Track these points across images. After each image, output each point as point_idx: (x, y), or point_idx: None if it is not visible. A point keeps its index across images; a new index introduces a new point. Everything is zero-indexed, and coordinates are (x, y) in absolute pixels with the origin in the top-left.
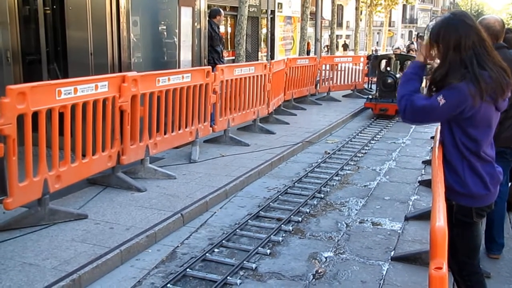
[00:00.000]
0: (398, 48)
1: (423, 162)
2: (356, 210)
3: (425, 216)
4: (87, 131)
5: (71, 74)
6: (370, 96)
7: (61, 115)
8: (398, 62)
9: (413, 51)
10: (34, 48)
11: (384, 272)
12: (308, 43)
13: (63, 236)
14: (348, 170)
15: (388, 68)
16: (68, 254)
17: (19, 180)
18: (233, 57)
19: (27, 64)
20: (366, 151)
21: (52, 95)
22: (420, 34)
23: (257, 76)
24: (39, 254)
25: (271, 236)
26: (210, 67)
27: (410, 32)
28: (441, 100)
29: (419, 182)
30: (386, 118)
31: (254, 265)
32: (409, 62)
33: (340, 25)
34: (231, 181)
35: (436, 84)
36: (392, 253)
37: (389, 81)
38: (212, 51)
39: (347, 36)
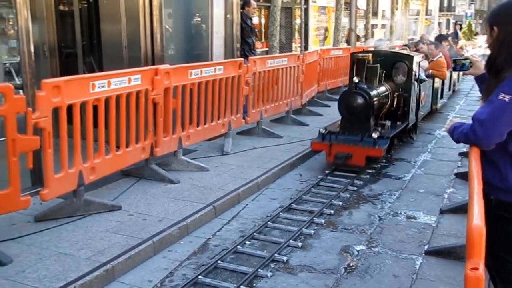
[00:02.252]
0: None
1: (460, 154)
2: (390, 203)
3: (460, 209)
4: (121, 123)
5: (106, 67)
6: (322, 130)
7: (95, 108)
8: (378, 66)
9: (418, 51)
10: (71, 41)
11: (418, 266)
12: (348, 33)
13: (98, 227)
14: (383, 162)
15: (357, 80)
16: (102, 244)
17: (55, 172)
18: (267, 49)
19: (64, 58)
20: (401, 142)
21: (86, 89)
22: (458, 22)
23: (290, 67)
24: (74, 244)
25: (303, 228)
26: (242, 59)
27: (448, 20)
28: (504, 97)
29: (455, 174)
30: (348, 170)
31: (285, 258)
32: (403, 65)
33: (375, 14)
34: (264, 173)
35: (495, 76)
36: (426, 247)
37: (358, 101)
38: (243, 42)
39: (383, 26)
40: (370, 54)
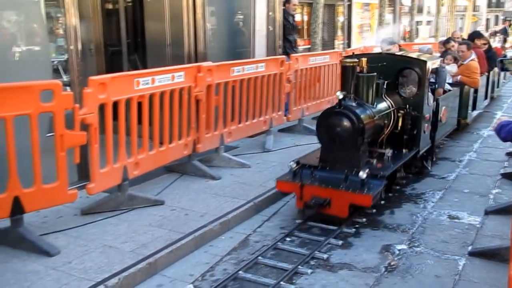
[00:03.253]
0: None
1: (507, 154)
2: (433, 202)
3: (506, 210)
4: (164, 120)
5: (150, 64)
6: (293, 163)
7: (140, 105)
8: (375, 76)
9: (450, 49)
10: (116, 40)
11: (460, 267)
12: (406, 31)
13: (141, 221)
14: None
15: (341, 96)
16: (145, 238)
17: (101, 167)
18: (309, 46)
19: (109, 55)
20: (446, 141)
21: (131, 86)
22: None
23: (332, 64)
24: (118, 237)
25: (343, 227)
26: (284, 56)
27: (496, 17)
28: None
29: (501, 174)
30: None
31: (325, 256)
32: (412, 73)
33: (420, 10)
34: None
35: None
36: (470, 248)
37: (342, 124)
38: (284, 40)
39: (428, 22)
40: (363, 59)
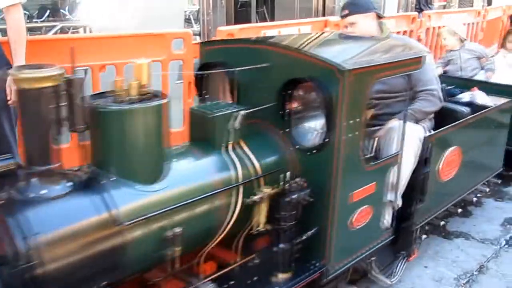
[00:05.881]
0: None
1: None
2: None
3: None
4: None
5: (278, 17)
6: None
7: None
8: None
9: None
10: None
11: None
12: None
13: None
14: None
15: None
16: None
17: None
18: (445, 3)
19: (238, 7)
20: None
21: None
22: None
23: (468, 24)
24: None
25: (464, 194)
26: (415, 13)
27: None
28: None
29: None
30: None
31: (442, 222)
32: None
33: None
34: None
35: None
36: None
37: None
38: None
39: None
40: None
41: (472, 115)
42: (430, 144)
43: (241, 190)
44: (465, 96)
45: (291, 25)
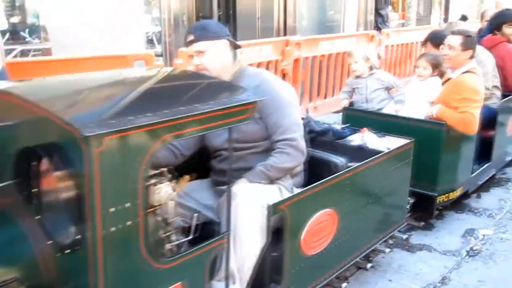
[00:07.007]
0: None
1: None
2: None
3: None
4: None
5: (239, 36)
6: None
7: None
8: None
9: None
10: (208, 11)
11: None
12: None
13: None
14: None
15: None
16: None
17: None
18: (403, 21)
19: None
20: None
21: None
22: None
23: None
24: None
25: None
26: (374, 31)
27: None
28: None
29: None
30: None
31: (405, 236)
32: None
33: None
34: None
35: None
36: None
37: None
38: (376, 14)
39: None
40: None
41: (347, 169)
42: (282, 213)
43: None
44: (355, 139)
45: (253, 44)
